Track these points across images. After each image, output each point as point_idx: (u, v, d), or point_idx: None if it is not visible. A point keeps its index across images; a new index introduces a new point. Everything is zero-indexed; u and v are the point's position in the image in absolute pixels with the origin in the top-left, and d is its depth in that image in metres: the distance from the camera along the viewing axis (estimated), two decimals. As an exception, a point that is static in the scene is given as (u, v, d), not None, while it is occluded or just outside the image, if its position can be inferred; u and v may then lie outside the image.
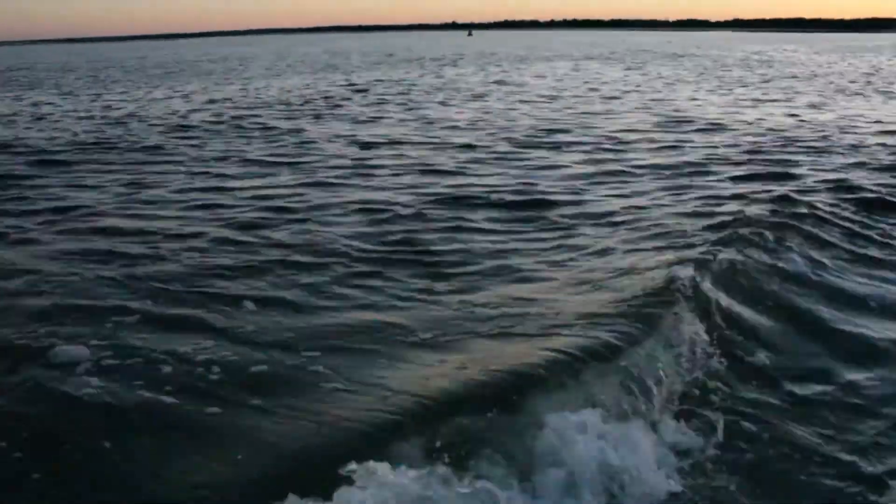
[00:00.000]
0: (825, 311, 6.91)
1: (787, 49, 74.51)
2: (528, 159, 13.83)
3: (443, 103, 23.94)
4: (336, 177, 12.12)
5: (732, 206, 9.77)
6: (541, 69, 43.04)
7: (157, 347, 5.59)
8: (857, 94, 27.75)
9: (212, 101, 25.22)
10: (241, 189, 11.24)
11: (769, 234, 8.44)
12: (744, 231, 8.44)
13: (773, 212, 9.38)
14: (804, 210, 9.56)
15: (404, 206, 10.07)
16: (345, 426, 4.59)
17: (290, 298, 6.67)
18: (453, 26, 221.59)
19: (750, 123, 18.69)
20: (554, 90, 28.62)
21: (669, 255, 7.69)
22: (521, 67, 44.67)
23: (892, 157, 13.88)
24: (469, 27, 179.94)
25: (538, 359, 5.27)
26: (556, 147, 15.17)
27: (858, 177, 11.97)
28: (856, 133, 17.14)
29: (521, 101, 24.25)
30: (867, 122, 19.04)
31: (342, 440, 4.46)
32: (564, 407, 4.72)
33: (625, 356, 5.42)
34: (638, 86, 30.60)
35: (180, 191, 11.24)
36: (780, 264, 7.73)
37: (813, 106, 23.03)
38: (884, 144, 15.39)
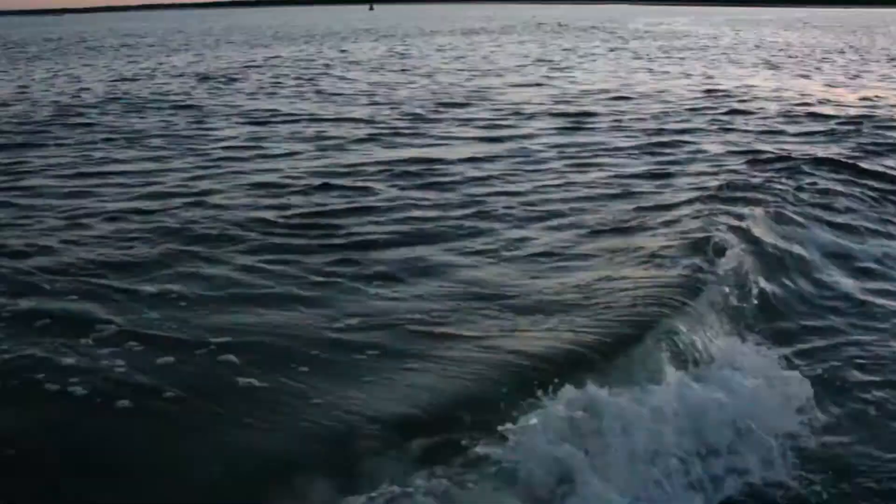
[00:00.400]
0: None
1: (681, 21, 76.30)
2: (429, 133, 13.66)
3: (342, 78, 23.48)
4: (232, 157, 11.62)
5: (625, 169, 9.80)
6: (442, 42, 42.82)
7: (36, 349, 5.16)
8: (743, 64, 28.55)
9: (102, 80, 24.05)
10: (131, 172, 10.64)
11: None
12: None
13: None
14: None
15: (303, 183, 9.74)
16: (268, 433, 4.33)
17: (192, 291, 6.19)
18: (355, 0, 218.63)
19: (650, 95, 18.93)
20: (454, 64, 28.45)
21: (560, 222, 7.83)
22: (421, 41, 44.33)
23: (787, 124, 14.37)
24: (370, 1, 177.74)
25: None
26: (458, 120, 15.01)
27: (769, 145, 12.36)
28: (755, 101, 17.65)
29: (422, 75, 24.01)
30: (767, 92, 19.61)
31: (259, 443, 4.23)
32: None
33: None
34: (539, 59, 30.71)
35: (64, 176, 10.58)
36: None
37: (709, 76, 23.56)
38: (784, 113, 15.99)
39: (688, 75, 24.02)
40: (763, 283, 6.84)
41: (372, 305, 5.94)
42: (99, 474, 4.03)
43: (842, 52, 35.85)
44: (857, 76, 24.46)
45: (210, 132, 13.93)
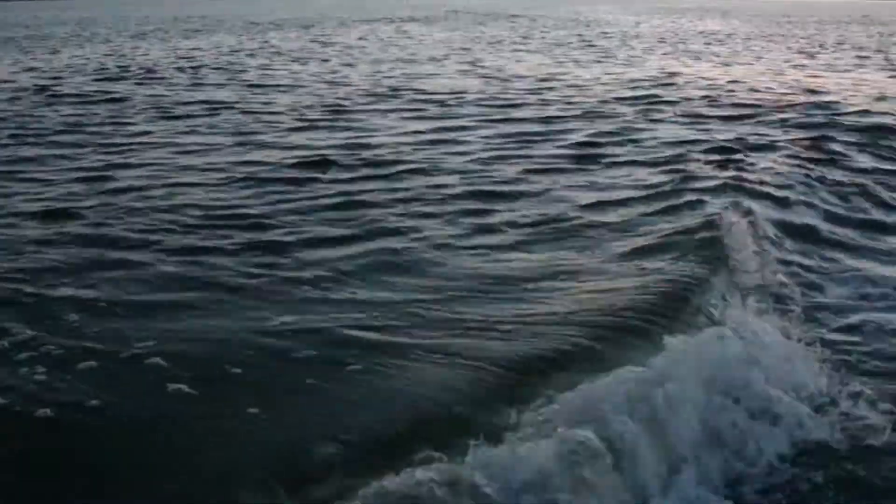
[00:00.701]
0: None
1: (603, 10, 77.15)
2: (356, 121, 13.38)
3: (264, 68, 22.92)
4: (149, 153, 11.14)
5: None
6: (364, 31, 42.35)
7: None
8: (665, 53, 28.93)
9: (16, 72, 22.99)
10: (39, 171, 10.11)
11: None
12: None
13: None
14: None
15: (225, 177, 9.40)
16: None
17: (110, 297, 5.79)
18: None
19: (577, 84, 18.96)
20: (378, 53, 28.12)
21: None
22: (343, 31, 43.77)
23: (713, 110, 14.51)
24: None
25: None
26: (382, 110, 14.75)
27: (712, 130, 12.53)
28: (681, 89, 17.84)
29: (344, 64, 23.63)
30: (690, 77, 19.87)
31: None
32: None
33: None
34: (463, 47, 30.58)
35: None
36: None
37: (628, 63, 23.78)
38: (707, 97, 16.25)
39: (614, 63, 24.22)
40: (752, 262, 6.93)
41: (306, 309, 5.60)
42: (13, 486, 3.77)
43: (766, 38, 36.68)
44: (778, 62, 24.99)
45: (126, 126, 13.37)
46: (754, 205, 8.34)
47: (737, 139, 12.13)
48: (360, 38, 36.57)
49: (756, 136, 12.47)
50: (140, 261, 6.59)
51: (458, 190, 8.87)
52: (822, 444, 4.63)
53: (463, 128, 12.97)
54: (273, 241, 7.10)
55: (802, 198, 9.08)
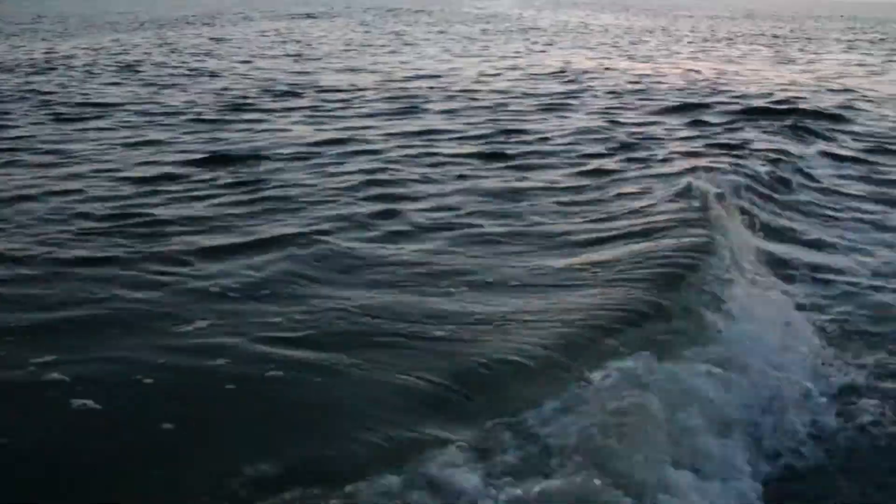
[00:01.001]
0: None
1: (504, 4, 77.81)
2: (256, 119, 13.05)
3: (161, 66, 22.19)
4: (34, 157, 10.58)
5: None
6: (264, 27, 41.58)
7: None
8: (568, 45, 29.29)
9: None
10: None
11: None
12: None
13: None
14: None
15: (119, 179, 8.99)
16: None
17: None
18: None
19: (476, 80, 18.97)
20: (277, 48, 27.61)
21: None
22: (244, 27, 42.87)
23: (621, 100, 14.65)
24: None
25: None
26: (287, 107, 14.44)
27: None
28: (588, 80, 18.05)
29: (243, 61, 23.11)
30: (593, 70, 20.13)
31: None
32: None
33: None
34: (365, 43, 30.31)
35: None
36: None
37: (530, 57, 23.98)
38: (610, 90, 16.31)
39: (515, 57, 24.38)
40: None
41: (215, 323, 5.25)
42: None
43: (652, 32, 37.52)
44: (674, 53, 25.59)
45: (6, 129, 12.67)
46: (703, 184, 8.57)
47: (644, 128, 12.43)
48: (260, 34, 35.88)
49: (665, 126, 12.82)
50: (31, 276, 6.09)
51: (370, 192, 8.60)
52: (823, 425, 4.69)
53: (367, 126, 12.78)
54: (175, 249, 6.66)
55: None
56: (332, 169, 9.71)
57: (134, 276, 6.05)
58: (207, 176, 9.25)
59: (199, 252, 6.59)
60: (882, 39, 38.73)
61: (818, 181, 10.20)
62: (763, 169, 9.97)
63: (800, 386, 4.93)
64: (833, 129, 13.37)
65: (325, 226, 7.36)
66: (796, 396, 4.85)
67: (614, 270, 6.17)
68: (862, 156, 11.73)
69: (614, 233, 7.24)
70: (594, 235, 7.22)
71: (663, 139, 11.79)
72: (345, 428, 4.10)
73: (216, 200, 8.24)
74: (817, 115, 14.40)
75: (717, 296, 5.77)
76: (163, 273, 6.12)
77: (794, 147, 11.69)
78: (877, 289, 6.81)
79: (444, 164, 10.02)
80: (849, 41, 36.13)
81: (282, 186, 8.77)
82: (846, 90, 17.90)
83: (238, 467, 3.69)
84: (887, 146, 12.41)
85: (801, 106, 15.16)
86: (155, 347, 4.88)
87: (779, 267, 7.03)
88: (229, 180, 9.10)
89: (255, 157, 10.25)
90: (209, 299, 5.64)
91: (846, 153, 11.83)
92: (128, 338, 5.02)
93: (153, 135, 11.93)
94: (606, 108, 14.71)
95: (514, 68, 21.50)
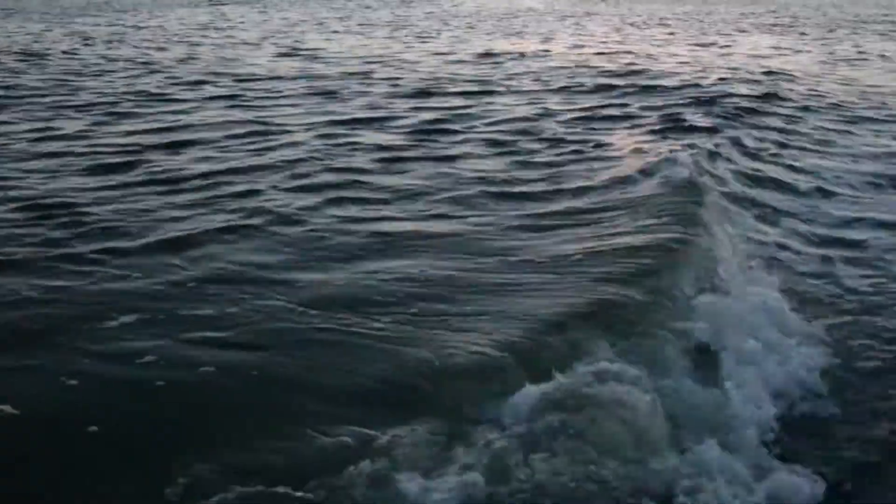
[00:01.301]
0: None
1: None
2: (173, 109, 12.63)
3: (71, 54, 21.30)
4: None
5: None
6: (181, 14, 40.45)
7: None
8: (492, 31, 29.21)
9: None
10: None
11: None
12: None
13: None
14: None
15: (23, 171, 8.55)
16: None
17: None
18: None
19: (398, 66, 18.74)
20: (195, 35, 26.85)
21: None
22: (161, 14, 41.66)
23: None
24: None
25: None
26: (206, 96, 13.99)
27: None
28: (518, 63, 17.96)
29: (159, 48, 22.38)
30: (516, 54, 20.06)
31: None
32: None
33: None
34: (284, 28, 29.73)
35: None
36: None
37: (453, 42, 23.84)
38: (535, 73, 16.21)
39: (437, 42, 24.18)
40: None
41: (151, 326, 4.98)
42: None
43: (585, 15, 37.79)
44: (601, 37, 25.76)
45: None
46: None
47: (578, 111, 12.57)
48: (178, 21, 34.88)
49: (602, 107, 13.13)
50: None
51: (295, 183, 8.34)
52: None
53: (288, 114, 12.47)
54: (92, 248, 6.30)
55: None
56: (253, 160, 9.39)
57: (49, 278, 5.75)
58: (123, 170, 8.88)
59: (118, 251, 6.29)
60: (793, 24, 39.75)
61: (758, 157, 10.50)
62: (709, 145, 10.26)
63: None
64: (760, 110, 13.62)
65: (253, 220, 7.10)
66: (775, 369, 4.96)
67: (570, 266, 6.06)
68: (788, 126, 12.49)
69: (557, 220, 7.20)
70: (542, 222, 7.18)
71: (595, 126, 11.76)
72: (280, 429, 3.96)
73: (134, 195, 7.90)
74: (743, 96, 14.59)
75: (700, 275, 5.87)
76: (79, 274, 5.82)
77: (727, 125, 11.92)
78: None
79: (370, 152, 9.80)
80: (760, 25, 36.98)
81: (202, 178, 8.45)
82: (768, 72, 18.28)
83: (169, 473, 3.55)
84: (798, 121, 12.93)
85: (728, 87, 15.41)
86: (75, 351, 4.65)
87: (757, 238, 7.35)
88: (146, 173, 8.75)
89: (173, 148, 9.88)
90: (133, 299, 5.38)
91: (774, 126, 12.38)
92: (46, 342, 4.79)
93: (64, 127, 11.39)
94: (531, 92, 14.64)
95: (436, 52, 21.32)
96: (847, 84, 17.34)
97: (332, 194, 7.92)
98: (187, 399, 4.23)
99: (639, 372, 4.43)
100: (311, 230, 6.89)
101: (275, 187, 8.14)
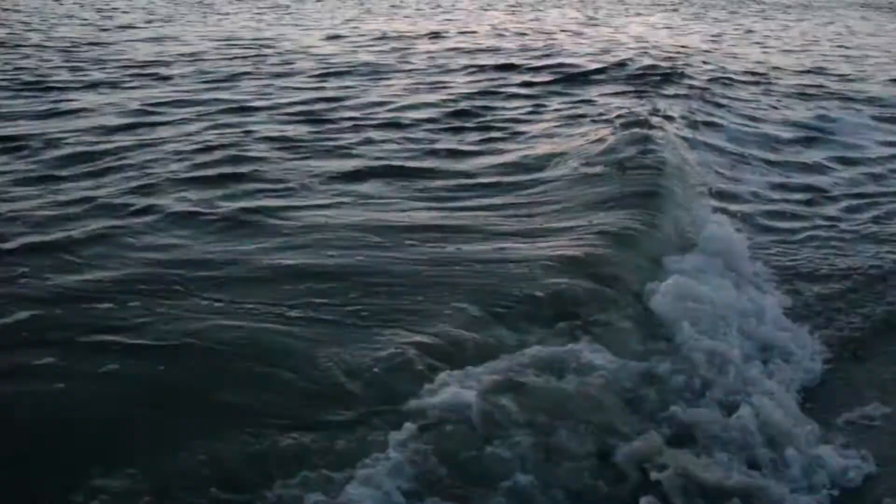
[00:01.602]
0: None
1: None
2: (51, 96, 11.84)
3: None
4: None
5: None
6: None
7: None
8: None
9: None
10: None
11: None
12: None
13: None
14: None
15: None
16: None
17: None
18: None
19: (292, 50, 18.20)
20: (79, 13, 25.51)
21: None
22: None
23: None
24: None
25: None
26: (77, 84, 13.12)
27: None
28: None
29: (32, 30, 21.08)
30: (417, 33, 19.76)
31: None
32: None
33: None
34: (166, 9, 28.57)
35: None
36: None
37: (352, 22, 23.40)
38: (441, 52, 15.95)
39: (334, 23, 23.68)
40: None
41: (34, 331, 4.61)
42: None
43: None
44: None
45: None
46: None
47: (481, 92, 12.72)
48: (57, 2, 33.10)
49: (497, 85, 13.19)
50: None
51: (183, 176, 7.86)
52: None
53: (175, 101, 11.81)
54: None
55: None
56: (140, 152, 8.82)
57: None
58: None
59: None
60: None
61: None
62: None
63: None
64: (670, 82, 13.99)
65: (147, 218, 6.62)
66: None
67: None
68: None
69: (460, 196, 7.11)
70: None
71: (497, 105, 11.68)
72: (186, 439, 3.72)
73: (11, 194, 7.28)
74: (646, 74, 14.77)
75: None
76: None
77: (638, 102, 12.08)
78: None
79: (266, 141, 9.35)
80: (650, 4, 37.70)
81: (87, 175, 7.87)
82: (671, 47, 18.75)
83: (78, 479, 3.39)
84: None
85: (631, 64, 15.71)
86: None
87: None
88: (23, 168, 8.10)
89: (51, 139, 9.19)
90: (18, 306, 4.93)
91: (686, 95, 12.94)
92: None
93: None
94: (433, 73, 14.41)
95: (334, 34, 20.82)
96: (741, 58, 17.97)
97: (230, 186, 7.50)
98: (88, 410, 3.97)
99: (594, 351, 4.45)
100: (211, 224, 6.50)
101: (167, 180, 7.64)
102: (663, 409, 4.18)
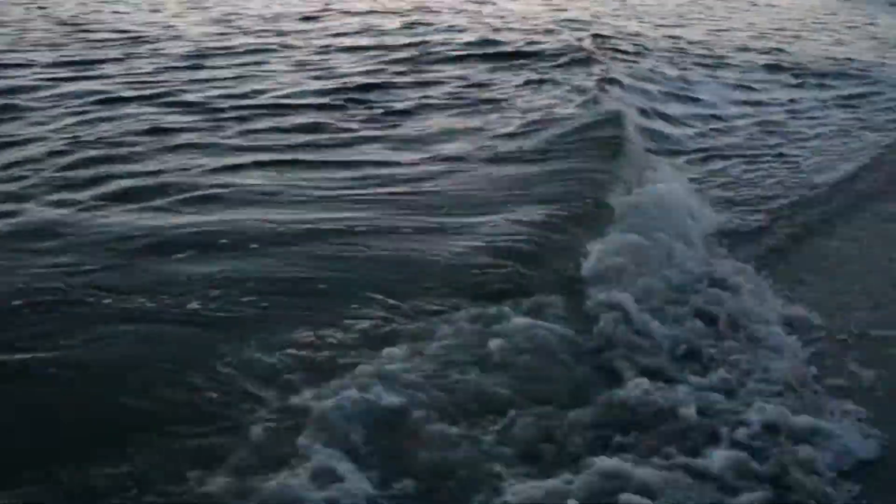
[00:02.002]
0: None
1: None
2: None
3: None
4: None
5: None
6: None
7: None
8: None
9: None
10: None
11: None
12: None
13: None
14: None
15: None
16: None
17: None
18: None
19: (174, 36, 17.20)
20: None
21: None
22: None
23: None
24: None
25: None
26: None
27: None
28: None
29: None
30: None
31: None
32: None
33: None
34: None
35: None
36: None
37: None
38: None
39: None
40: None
41: None
42: None
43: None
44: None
45: None
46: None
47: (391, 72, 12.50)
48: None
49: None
50: None
51: (53, 182, 7.16)
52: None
53: (33, 87, 10.82)
54: None
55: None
56: None
57: None
58: None
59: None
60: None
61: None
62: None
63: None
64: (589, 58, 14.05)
65: (18, 230, 6.03)
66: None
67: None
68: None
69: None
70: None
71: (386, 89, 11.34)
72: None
73: None
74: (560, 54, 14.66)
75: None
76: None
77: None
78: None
79: (149, 135, 8.68)
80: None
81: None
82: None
83: None
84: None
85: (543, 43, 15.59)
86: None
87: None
88: None
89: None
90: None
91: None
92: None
93: None
94: (315, 55, 13.89)
95: (214, 20, 19.76)
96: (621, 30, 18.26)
97: (104, 186, 6.90)
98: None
99: (553, 324, 4.68)
100: (97, 233, 5.95)
101: (35, 186, 6.94)
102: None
